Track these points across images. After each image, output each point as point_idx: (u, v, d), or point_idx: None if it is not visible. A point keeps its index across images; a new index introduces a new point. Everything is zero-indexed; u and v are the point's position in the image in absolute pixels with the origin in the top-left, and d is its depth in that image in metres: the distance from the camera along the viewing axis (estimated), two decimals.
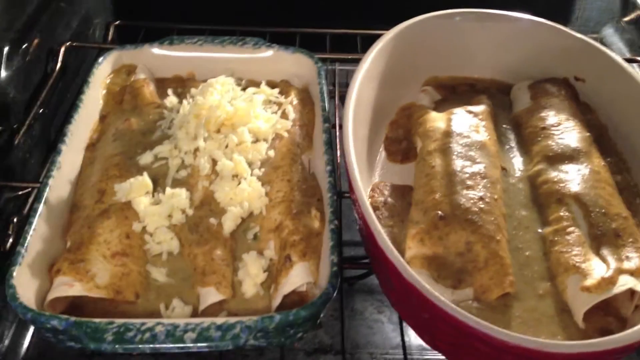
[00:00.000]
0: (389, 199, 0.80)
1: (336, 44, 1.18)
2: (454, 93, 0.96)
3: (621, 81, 0.84)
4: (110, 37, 1.24)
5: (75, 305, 0.64)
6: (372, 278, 0.97)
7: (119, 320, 0.57)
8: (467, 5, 0.94)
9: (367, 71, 0.82)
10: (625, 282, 0.64)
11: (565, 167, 0.77)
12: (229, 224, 0.70)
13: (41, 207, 0.68)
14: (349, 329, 0.94)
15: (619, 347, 0.54)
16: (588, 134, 0.82)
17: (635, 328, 0.56)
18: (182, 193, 0.72)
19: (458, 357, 0.64)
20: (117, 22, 1.27)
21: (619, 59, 0.86)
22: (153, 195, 0.73)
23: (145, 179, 0.72)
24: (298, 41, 1.16)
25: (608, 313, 0.66)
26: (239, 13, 1.29)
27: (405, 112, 0.92)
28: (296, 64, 0.91)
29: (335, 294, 0.62)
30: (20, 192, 0.85)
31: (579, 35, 0.90)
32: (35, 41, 0.97)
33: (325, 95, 0.84)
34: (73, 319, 0.57)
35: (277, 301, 0.64)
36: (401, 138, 0.89)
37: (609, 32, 1.23)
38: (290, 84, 0.90)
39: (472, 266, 0.68)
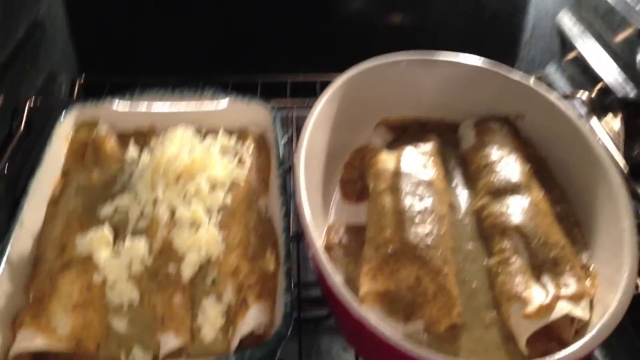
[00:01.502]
0: (344, 239, 0.83)
1: (297, 90, 1.24)
2: (405, 133, 1.01)
3: (554, 117, 0.90)
4: (76, 93, 1.27)
5: (38, 357, 0.66)
6: None
7: None
8: (420, 47, 1.00)
9: (318, 116, 0.86)
10: (562, 308, 0.68)
11: (507, 200, 0.82)
12: (187, 270, 0.73)
13: (4, 262, 0.70)
14: None
15: None
16: (528, 167, 0.87)
17: (570, 348, 0.60)
18: (141, 243, 0.75)
19: None
20: (82, 78, 1.30)
21: (551, 96, 0.92)
22: (114, 247, 0.75)
23: (105, 232, 0.75)
24: (260, 88, 1.21)
25: (551, 339, 0.70)
26: (202, 64, 1.34)
27: (359, 154, 0.97)
28: (252, 112, 0.95)
29: (289, 333, 0.64)
30: None
31: (513, 75, 0.96)
32: None
33: (280, 141, 0.88)
34: None
35: (234, 343, 0.67)
36: (356, 179, 0.93)
37: (551, 70, 1.30)
38: (248, 131, 0.94)
39: (421, 299, 0.72)
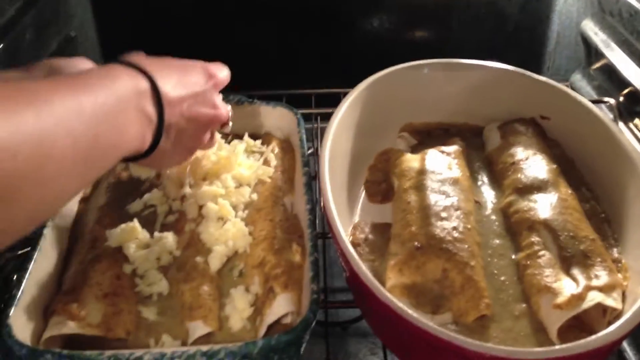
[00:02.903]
0: (370, 236, 0.83)
1: (321, 103, 1.25)
2: (429, 137, 1.02)
3: (581, 117, 0.90)
4: None
5: (69, 346, 0.66)
6: (365, 322, 0.99)
7: (109, 352, 0.60)
8: (443, 57, 1.01)
9: (340, 121, 0.87)
10: (593, 298, 0.67)
11: (535, 196, 0.81)
12: (214, 262, 0.74)
13: (36, 254, 0.71)
14: None
15: (587, 351, 0.56)
16: (555, 166, 0.86)
17: (600, 333, 0.59)
18: (169, 236, 0.76)
19: None
20: None
21: (579, 97, 0.92)
22: (143, 239, 0.76)
23: (135, 225, 0.77)
24: (284, 101, 1.22)
25: (583, 330, 0.68)
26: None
27: (383, 157, 0.97)
28: (277, 117, 0.97)
29: (315, 320, 0.64)
30: (19, 252, 0.89)
31: (540, 77, 0.96)
32: None
33: (304, 142, 0.89)
34: (65, 352, 0.60)
35: (262, 331, 0.67)
36: (380, 180, 0.94)
37: (577, 77, 1.30)
38: (272, 135, 0.95)
39: (449, 291, 0.71)
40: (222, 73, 0.77)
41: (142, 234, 0.77)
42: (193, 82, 0.70)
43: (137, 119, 0.61)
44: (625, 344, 0.94)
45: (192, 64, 0.73)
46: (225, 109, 0.77)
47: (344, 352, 0.98)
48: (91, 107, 0.53)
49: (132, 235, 0.75)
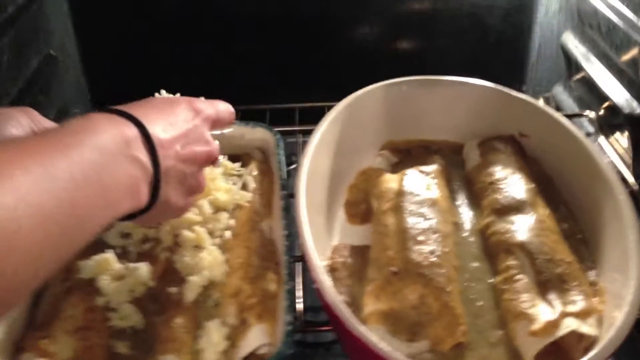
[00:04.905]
0: (349, 260, 0.83)
1: (305, 118, 1.24)
2: (409, 155, 1.02)
3: (559, 135, 0.89)
4: None
5: None
6: None
7: None
8: (426, 73, 1.01)
9: (320, 140, 0.87)
10: (568, 325, 0.66)
11: (512, 218, 0.81)
12: (189, 293, 0.73)
13: None
14: None
15: None
16: (533, 185, 0.86)
17: None
18: (143, 267, 0.75)
19: None
20: (95, 109, 1.33)
21: (555, 113, 0.92)
22: (117, 270, 0.76)
23: (108, 256, 0.75)
24: (269, 117, 1.21)
25: (559, 356, 0.68)
26: (211, 95, 1.36)
27: (363, 176, 0.97)
28: (256, 138, 0.96)
29: (290, 352, 0.64)
30: None
31: (517, 94, 0.96)
32: None
33: (283, 164, 0.88)
34: None
35: None
36: (360, 201, 0.93)
37: (558, 90, 1.30)
38: (251, 157, 0.95)
39: (426, 318, 0.71)
40: (208, 110, 0.71)
41: (116, 265, 0.76)
42: (182, 120, 0.65)
43: (128, 172, 0.54)
44: None
45: (177, 101, 0.68)
46: (216, 145, 0.72)
47: None
48: (65, 171, 0.46)
49: (105, 266, 0.74)
